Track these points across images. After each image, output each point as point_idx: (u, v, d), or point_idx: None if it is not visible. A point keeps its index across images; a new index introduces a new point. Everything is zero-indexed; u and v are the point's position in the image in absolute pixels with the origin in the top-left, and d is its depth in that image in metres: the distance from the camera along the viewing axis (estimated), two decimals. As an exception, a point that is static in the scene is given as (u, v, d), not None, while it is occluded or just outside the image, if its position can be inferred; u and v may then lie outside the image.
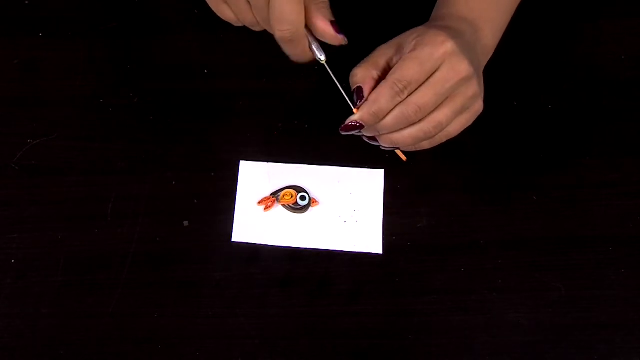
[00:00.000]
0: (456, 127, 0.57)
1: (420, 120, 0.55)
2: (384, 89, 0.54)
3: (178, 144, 0.66)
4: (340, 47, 0.54)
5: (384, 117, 0.55)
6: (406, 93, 0.54)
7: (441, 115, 0.55)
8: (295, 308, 0.61)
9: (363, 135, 0.58)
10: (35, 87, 0.68)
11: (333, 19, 0.53)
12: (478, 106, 0.57)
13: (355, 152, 0.66)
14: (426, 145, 0.58)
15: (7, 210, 0.64)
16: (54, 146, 0.66)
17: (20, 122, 0.67)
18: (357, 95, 0.55)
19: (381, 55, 0.56)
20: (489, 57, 0.61)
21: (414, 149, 0.59)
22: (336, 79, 0.56)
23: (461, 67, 0.54)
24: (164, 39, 0.71)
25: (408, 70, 0.53)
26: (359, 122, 0.55)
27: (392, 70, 0.54)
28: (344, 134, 0.57)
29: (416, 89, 0.54)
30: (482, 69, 0.60)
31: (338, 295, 0.62)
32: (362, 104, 0.55)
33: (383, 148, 0.58)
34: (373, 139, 0.58)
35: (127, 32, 0.71)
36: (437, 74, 0.54)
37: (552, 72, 0.70)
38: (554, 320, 0.61)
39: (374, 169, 0.66)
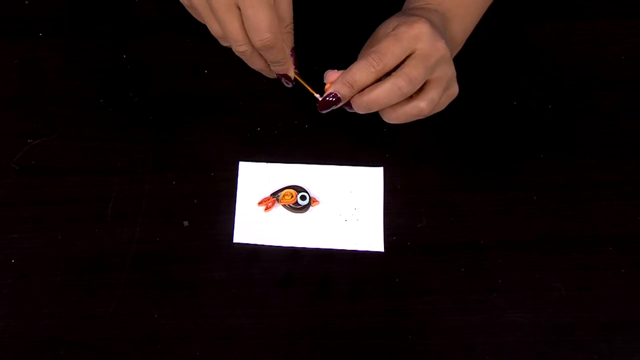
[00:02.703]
0: (431, 107, 0.56)
1: (391, 76, 0.54)
2: (359, 60, 0.54)
3: (178, 144, 0.67)
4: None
5: (365, 90, 0.54)
6: (381, 65, 0.53)
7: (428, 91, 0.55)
8: (295, 308, 0.61)
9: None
10: (35, 87, 0.68)
11: (293, 45, 0.55)
12: (455, 89, 0.57)
13: (354, 151, 0.66)
14: (396, 117, 0.57)
15: (7, 210, 0.64)
16: (54, 146, 0.66)
17: (20, 122, 0.67)
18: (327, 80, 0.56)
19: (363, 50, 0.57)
20: (457, 51, 0.62)
21: (389, 120, 0.57)
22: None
23: (439, 45, 0.54)
24: (164, 39, 0.71)
25: (385, 44, 0.54)
26: (334, 95, 0.55)
27: (373, 48, 0.54)
28: (323, 112, 0.56)
29: (404, 63, 0.54)
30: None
31: (338, 295, 0.62)
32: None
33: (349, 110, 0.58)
34: (348, 104, 0.57)
35: (127, 32, 0.71)
36: (420, 49, 0.54)
37: (552, 72, 0.70)
38: (554, 320, 0.61)
39: (373, 167, 0.66)
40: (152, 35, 0.71)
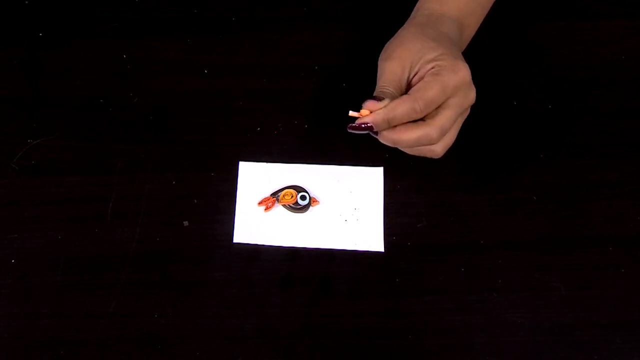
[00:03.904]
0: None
1: (425, 124, 0.56)
2: (406, 102, 0.55)
3: (178, 144, 0.67)
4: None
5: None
6: (424, 112, 0.55)
7: (450, 131, 0.58)
8: (295, 308, 0.61)
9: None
10: (35, 87, 0.68)
11: None
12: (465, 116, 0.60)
13: (354, 151, 0.66)
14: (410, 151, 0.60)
15: (7, 210, 0.64)
16: (54, 146, 0.66)
17: (20, 122, 0.67)
18: (376, 98, 0.56)
19: (392, 75, 0.57)
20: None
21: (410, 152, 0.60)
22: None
23: (472, 95, 0.57)
24: (164, 39, 0.71)
25: (431, 91, 0.55)
26: (370, 125, 0.56)
27: (417, 87, 0.55)
28: (351, 132, 0.57)
29: (439, 109, 0.56)
30: None
31: (338, 295, 0.62)
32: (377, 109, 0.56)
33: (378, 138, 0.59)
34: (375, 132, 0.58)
35: (127, 32, 0.71)
36: (453, 99, 0.56)
37: (552, 72, 0.70)
38: (553, 320, 0.61)
39: (373, 167, 0.66)
40: (152, 35, 0.71)
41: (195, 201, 0.64)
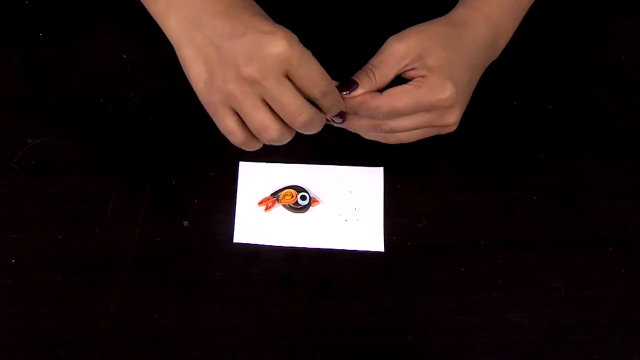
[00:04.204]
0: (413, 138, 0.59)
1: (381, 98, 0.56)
2: (374, 101, 0.55)
3: (178, 144, 0.67)
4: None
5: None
6: (387, 118, 0.56)
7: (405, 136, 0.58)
8: (296, 308, 0.61)
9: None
10: (35, 87, 0.68)
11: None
12: (447, 131, 0.59)
13: (354, 151, 0.66)
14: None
15: (7, 210, 0.64)
16: (54, 146, 0.66)
17: (20, 122, 0.67)
18: (350, 85, 0.56)
19: (390, 57, 0.56)
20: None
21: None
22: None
23: (449, 119, 0.56)
24: (164, 39, 0.70)
25: (402, 102, 0.55)
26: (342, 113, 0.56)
27: (394, 91, 0.55)
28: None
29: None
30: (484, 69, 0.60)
31: (338, 295, 0.62)
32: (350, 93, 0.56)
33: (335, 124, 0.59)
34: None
35: (126, 32, 0.71)
36: (425, 114, 0.56)
37: (552, 72, 0.70)
38: (553, 320, 0.61)
39: (373, 167, 0.66)
40: (152, 35, 0.71)
41: (195, 201, 0.64)
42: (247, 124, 0.52)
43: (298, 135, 0.68)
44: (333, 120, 0.58)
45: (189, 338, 0.60)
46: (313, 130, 0.54)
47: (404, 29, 0.57)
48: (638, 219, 0.65)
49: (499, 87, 0.68)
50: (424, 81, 0.55)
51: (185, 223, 0.64)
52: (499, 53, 0.61)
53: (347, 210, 0.65)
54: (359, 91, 0.55)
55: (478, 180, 0.66)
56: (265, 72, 0.49)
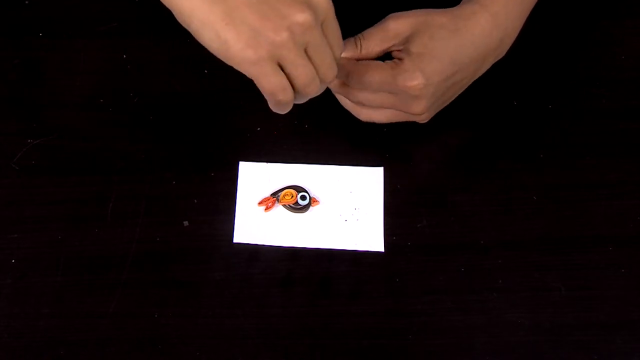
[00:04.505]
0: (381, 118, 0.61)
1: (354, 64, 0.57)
2: (352, 67, 0.56)
3: (178, 144, 0.67)
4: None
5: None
6: (354, 87, 0.57)
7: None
8: (296, 308, 0.61)
9: None
10: (35, 87, 0.68)
11: None
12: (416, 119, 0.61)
13: (354, 151, 0.66)
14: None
15: (7, 210, 0.64)
16: (54, 146, 0.66)
17: (20, 122, 0.67)
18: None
19: (382, 32, 0.58)
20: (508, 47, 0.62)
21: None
22: None
23: (414, 107, 0.58)
24: (164, 39, 0.71)
25: (374, 77, 0.56)
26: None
27: (370, 64, 0.57)
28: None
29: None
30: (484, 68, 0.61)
31: (338, 295, 0.62)
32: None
33: None
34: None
35: (127, 32, 0.71)
36: (393, 95, 0.57)
37: (552, 72, 0.70)
38: (554, 320, 0.61)
39: (373, 167, 0.66)
40: (152, 35, 0.71)
41: (195, 201, 0.64)
42: (294, 78, 0.51)
43: (298, 135, 0.68)
44: None
45: (189, 338, 0.60)
46: (322, 89, 0.54)
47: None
48: (638, 219, 0.65)
49: (499, 87, 0.68)
50: (398, 64, 0.56)
51: (185, 223, 0.64)
52: (504, 52, 0.61)
53: (347, 210, 0.65)
54: (342, 53, 0.56)
55: (478, 180, 0.66)
56: (316, 18, 0.49)
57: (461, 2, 0.60)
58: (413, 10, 0.59)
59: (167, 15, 0.72)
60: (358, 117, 0.62)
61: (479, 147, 0.67)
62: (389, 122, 0.62)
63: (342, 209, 0.65)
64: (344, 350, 0.60)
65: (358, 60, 0.58)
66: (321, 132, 0.67)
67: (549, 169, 0.66)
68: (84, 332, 0.60)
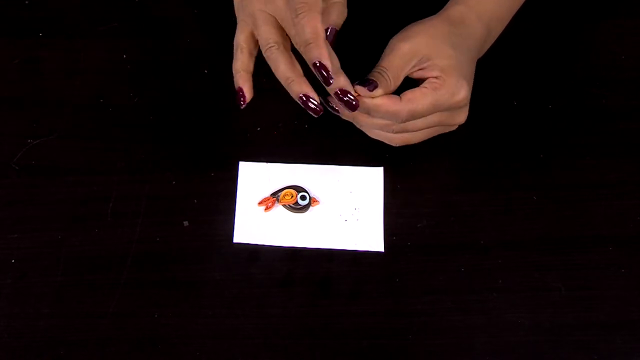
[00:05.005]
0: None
1: (401, 103, 0.56)
2: (395, 105, 0.55)
3: (178, 144, 0.67)
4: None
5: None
6: (406, 121, 0.56)
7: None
8: (296, 308, 0.61)
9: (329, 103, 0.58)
10: (35, 87, 0.68)
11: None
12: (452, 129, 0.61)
13: (354, 151, 0.66)
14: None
15: (7, 210, 0.64)
16: (54, 146, 0.66)
17: (20, 122, 0.67)
18: (370, 83, 0.55)
19: (399, 59, 0.56)
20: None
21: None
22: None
23: (461, 117, 0.59)
24: (164, 39, 0.71)
25: (422, 105, 0.55)
26: (353, 101, 0.54)
27: (412, 94, 0.55)
28: (332, 100, 0.57)
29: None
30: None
31: (338, 295, 0.62)
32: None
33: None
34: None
35: (127, 32, 0.71)
36: (441, 113, 0.57)
37: (552, 72, 0.70)
38: (554, 320, 0.61)
39: (373, 167, 0.66)
40: (152, 35, 0.71)
41: (195, 201, 0.64)
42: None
43: (298, 135, 0.68)
44: (340, 109, 0.57)
45: (189, 338, 0.60)
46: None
47: (397, 26, 0.57)
48: (638, 219, 0.65)
49: (499, 87, 0.68)
50: (441, 82, 0.55)
51: (185, 223, 0.64)
52: (485, 51, 0.62)
53: (347, 210, 0.65)
54: (378, 91, 0.55)
55: (478, 180, 0.66)
56: None
57: (447, 5, 0.61)
58: (410, 27, 0.58)
59: (167, 16, 0.72)
60: (390, 143, 0.60)
61: (479, 147, 0.67)
62: (423, 140, 0.61)
63: (342, 209, 0.65)
64: (344, 350, 0.60)
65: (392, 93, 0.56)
66: (321, 132, 0.67)
67: (549, 169, 0.66)
68: (84, 332, 0.60)
